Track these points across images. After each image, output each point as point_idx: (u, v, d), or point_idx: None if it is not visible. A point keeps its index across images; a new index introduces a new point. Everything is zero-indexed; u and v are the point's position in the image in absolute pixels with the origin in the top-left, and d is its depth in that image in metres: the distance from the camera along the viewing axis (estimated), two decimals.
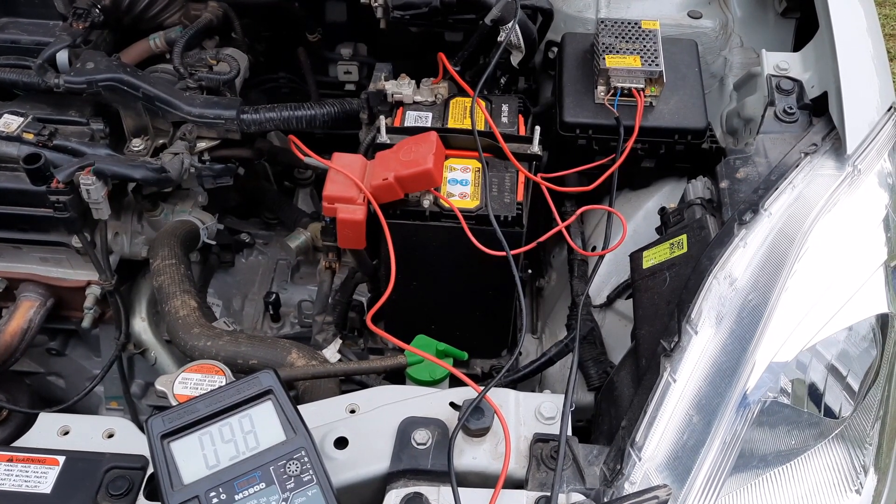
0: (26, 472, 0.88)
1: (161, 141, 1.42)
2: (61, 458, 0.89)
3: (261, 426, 0.80)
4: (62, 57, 1.35)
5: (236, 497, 0.76)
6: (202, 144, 1.42)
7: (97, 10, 1.39)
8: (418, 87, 1.40)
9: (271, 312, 1.63)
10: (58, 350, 1.63)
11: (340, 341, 1.34)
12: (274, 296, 1.62)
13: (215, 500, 0.75)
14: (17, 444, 0.93)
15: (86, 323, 1.44)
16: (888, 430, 1.10)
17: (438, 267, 1.26)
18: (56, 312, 1.46)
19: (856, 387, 1.08)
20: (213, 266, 1.68)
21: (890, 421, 1.10)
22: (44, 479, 0.88)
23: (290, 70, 1.96)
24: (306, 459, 0.78)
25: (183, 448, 0.78)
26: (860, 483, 0.98)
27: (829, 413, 1.05)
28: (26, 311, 1.40)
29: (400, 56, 1.56)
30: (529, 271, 1.56)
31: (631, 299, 1.33)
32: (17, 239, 1.35)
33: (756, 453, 0.94)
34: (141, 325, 1.51)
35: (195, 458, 0.78)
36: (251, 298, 1.71)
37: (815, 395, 1.05)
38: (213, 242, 1.49)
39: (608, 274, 1.39)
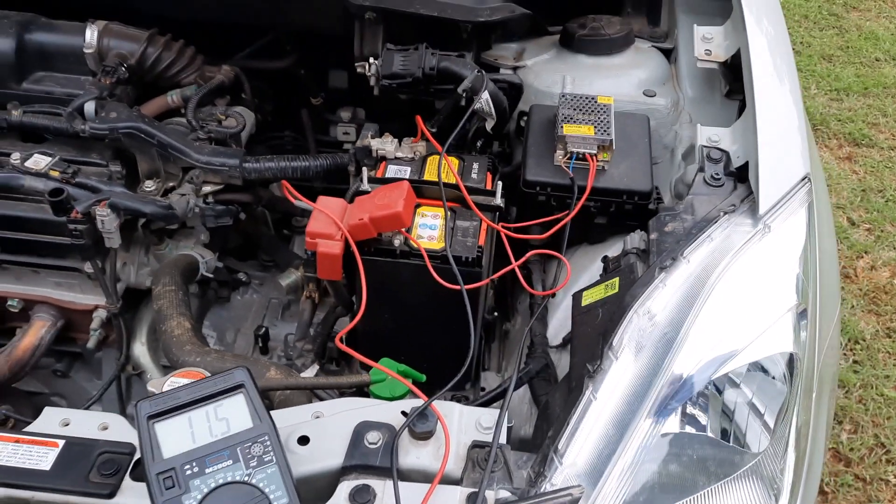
0: (30, 452, 1.03)
1: (171, 184, 1.60)
2: (61, 442, 1.04)
3: (232, 414, 0.94)
4: (89, 107, 1.55)
5: (207, 470, 0.90)
6: (207, 188, 1.60)
7: (123, 68, 1.59)
8: (400, 144, 1.59)
9: (261, 345, 1.77)
10: (62, 372, 1.77)
11: (318, 367, 1.49)
12: (264, 329, 1.77)
13: (188, 472, 0.89)
14: (23, 430, 1.08)
15: (91, 343, 1.59)
16: (797, 466, 1.21)
17: (407, 301, 1.42)
18: (64, 334, 1.62)
19: (771, 423, 1.21)
20: (210, 300, 1.84)
21: (798, 457, 1.22)
22: (44, 458, 1.02)
23: (294, 129, 2.17)
24: (269, 444, 0.93)
25: (165, 428, 0.92)
26: None
27: (745, 447, 1.17)
28: (39, 329, 1.55)
29: (393, 118, 1.75)
30: (496, 314, 1.71)
31: None
32: (36, 263, 1.51)
33: (666, 483, 1.06)
34: (140, 350, 1.66)
35: (175, 437, 0.92)
36: (243, 332, 1.86)
37: (732, 429, 1.18)
38: (212, 276, 1.65)
39: (565, 318, 1.54)
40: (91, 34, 1.60)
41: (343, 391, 1.31)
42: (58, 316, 1.58)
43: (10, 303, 1.56)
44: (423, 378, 1.28)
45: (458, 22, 1.66)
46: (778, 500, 1.17)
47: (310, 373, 1.44)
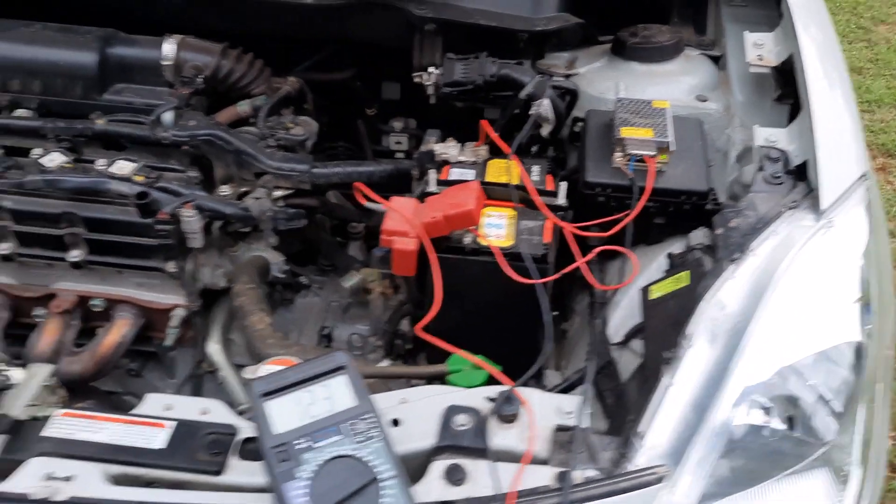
0: (142, 432, 1.09)
1: (244, 189, 1.68)
2: (169, 424, 1.10)
3: (336, 393, 1.01)
4: (168, 116, 1.64)
5: (317, 444, 0.96)
6: (278, 192, 1.68)
7: (200, 79, 1.68)
8: (462, 148, 1.65)
9: (325, 345, 1.84)
10: (136, 371, 1.84)
11: (388, 363, 1.55)
12: (328, 329, 1.83)
13: (300, 446, 0.95)
14: (131, 412, 1.15)
15: (168, 341, 1.66)
16: (864, 455, 1.25)
17: (474, 297, 1.48)
18: (142, 333, 1.69)
19: (840, 412, 1.24)
20: (275, 302, 1.90)
21: (865, 447, 1.26)
22: (156, 438, 1.08)
23: (347, 140, 2.25)
24: (373, 420, 0.99)
25: (276, 406, 0.99)
26: None
27: (813, 437, 1.21)
28: (122, 328, 1.63)
29: (444, 128, 1.83)
30: (556, 313, 1.76)
31: None
32: (121, 264, 1.59)
33: (740, 468, 1.11)
34: (214, 348, 1.73)
35: (286, 414, 0.98)
36: (306, 333, 1.92)
37: (801, 419, 1.22)
38: (282, 277, 1.72)
39: (626, 317, 1.58)
40: (169, 47, 1.68)
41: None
42: (138, 315, 1.65)
43: (93, 302, 1.64)
44: (500, 368, 1.34)
45: (516, 31, 1.73)
46: (846, 487, 1.20)
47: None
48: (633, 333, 1.56)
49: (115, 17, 1.78)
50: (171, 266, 1.56)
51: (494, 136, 1.60)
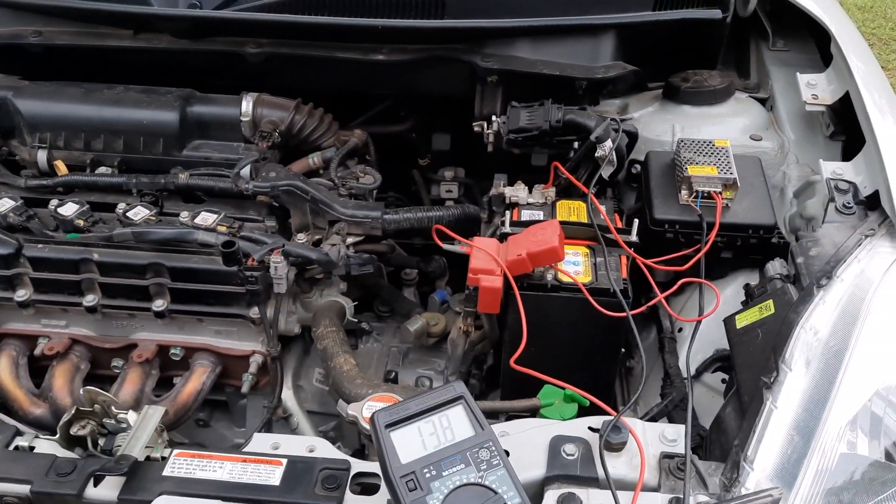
0: (258, 470, 1.11)
1: (318, 236, 1.73)
2: (284, 461, 1.12)
3: (455, 423, 1.02)
4: (247, 169, 1.70)
5: (444, 473, 0.97)
6: (350, 239, 1.73)
7: (276, 134, 1.75)
8: (531, 192, 1.70)
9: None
10: (204, 421, 1.86)
11: None
12: (394, 373, 1.85)
13: (427, 475, 0.97)
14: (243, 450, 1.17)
15: (245, 388, 1.68)
16: None
17: (555, 333, 1.50)
18: (218, 380, 1.71)
19: None
20: None
21: None
22: (272, 475, 1.10)
23: (397, 189, 2.31)
24: (494, 449, 1.00)
25: (400, 436, 1.00)
26: None
27: None
28: (201, 375, 1.65)
29: (491, 176, 1.88)
30: (623, 350, 1.78)
31: (717, 372, 1.56)
32: (204, 312, 1.63)
33: (849, 488, 1.12)
34: (287, 394, 1.75)
35: (409, 444, 1.00)
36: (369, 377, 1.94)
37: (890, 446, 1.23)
38: (356, 320, 1.76)
39: (695, 351, 1.61)
40: (247, 105, 1.76)
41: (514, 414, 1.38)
42: (216, 363, 1.67)
43: (172, 351, 1.67)
44: (587, 403, 1.36)
45: (576, 79, 1.80)
46: None
47: None
48: (706, 367, 1.59)
49: (194, 77, 1.86)
50: (254, 312, 1.60)
51: (570, 176, 1.66)
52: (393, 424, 1.01)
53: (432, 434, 1.01)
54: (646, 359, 1.82)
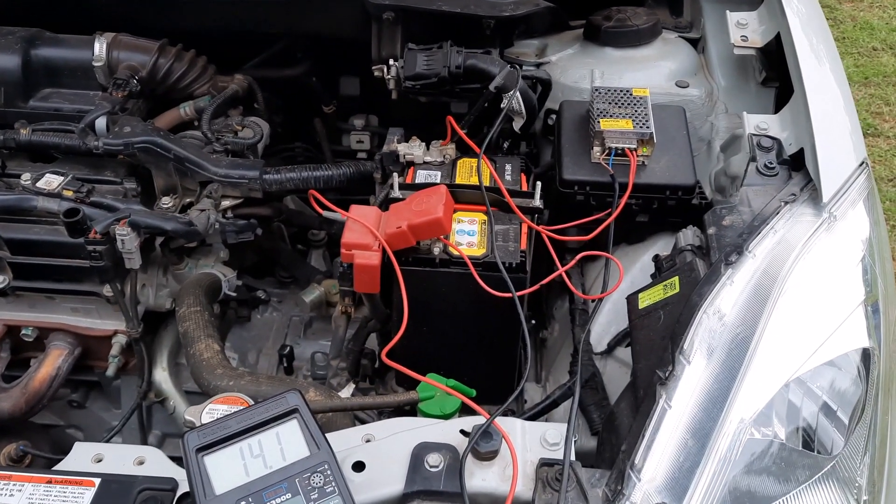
0: (64, 492, 0.94)
1: (188, 199, 1.52)
2: (97, 480, 0.95)
3: (287, 442, 0.87)
4: (101, 122, 1.48)
5: None
6: (226, 203, 1.52)
7: (135, 81, 1.52)
8: (428, 148, 1.51)
9: (285, 365, 1.69)
10: (79, 402, 1.68)
11: (353, 386, 1.41)
12: (288, 348, 1.68)
13: None
14: (54, 469, 0.99)
15: (110, 371, 1.51)
16: (877, 465, 1.15)
17: (447, 312, 1.34)
18: (81, 362, 1.53)
19: (846, 422, 1.14)
20: (230, 321, 1.75)
21: (878, 456, 1.15)
22: (81, 498, 0.94)
23: (305, 140, 2.10)
24: (329, 473, 0.85)
25: (216, 461, 0.84)
26: None
27: (821, 450, 1.10)
28: (56, 359, 1.47)
29: (408, 125, 1.69)
30: (533, 322, 1.63)
31: (630, 346, 1.42)
32: (51, 289, 1.43)
33: (748, 492, 0.99)
34: (162, 375, 1.58)
35: (227, 470, 0.84)
36: (265, 352, 1.78)
37: (807, 431, 1.11)
38: (234, 294, 1.57)
39: (608, 323, 1.47)
40: (100, 47, 1.53)
41: (389, 411, 1.23)
42: (75, 343, 1.49)
43: (24, 332, 1.48)
44: (474, 393, 1.21)
45: (482, 18, 1.59)
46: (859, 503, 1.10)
47: (346, 392, 1.36)
48: (618, 341, 1.45)
49: (42, 16, 1.61)
50: (106, 290, 1.40)
51: (462, 133, 1.47)
52: (207, 447, 0.85)
53: (257, 457, 0.86)
54: (559, 329, 1.71)
